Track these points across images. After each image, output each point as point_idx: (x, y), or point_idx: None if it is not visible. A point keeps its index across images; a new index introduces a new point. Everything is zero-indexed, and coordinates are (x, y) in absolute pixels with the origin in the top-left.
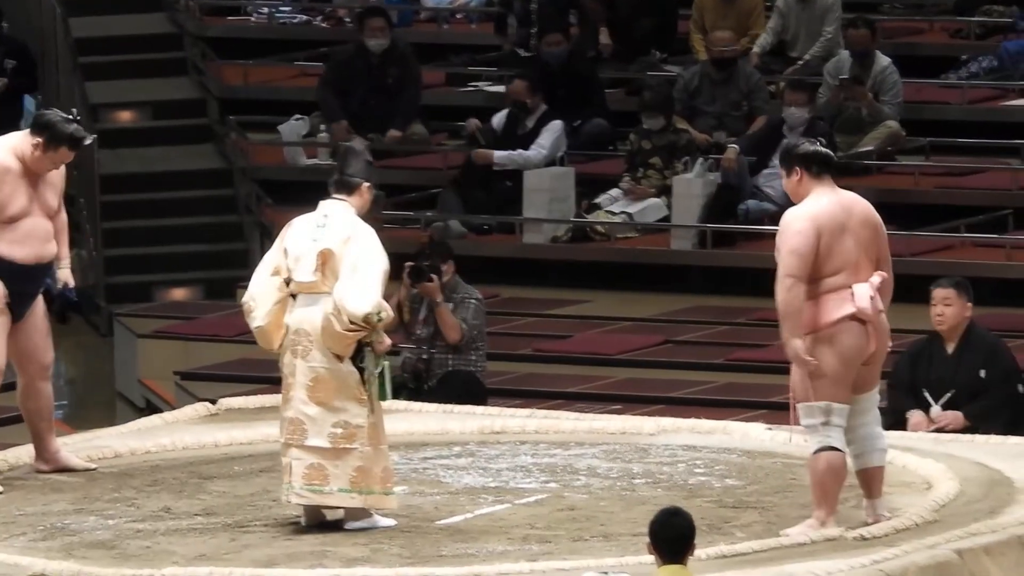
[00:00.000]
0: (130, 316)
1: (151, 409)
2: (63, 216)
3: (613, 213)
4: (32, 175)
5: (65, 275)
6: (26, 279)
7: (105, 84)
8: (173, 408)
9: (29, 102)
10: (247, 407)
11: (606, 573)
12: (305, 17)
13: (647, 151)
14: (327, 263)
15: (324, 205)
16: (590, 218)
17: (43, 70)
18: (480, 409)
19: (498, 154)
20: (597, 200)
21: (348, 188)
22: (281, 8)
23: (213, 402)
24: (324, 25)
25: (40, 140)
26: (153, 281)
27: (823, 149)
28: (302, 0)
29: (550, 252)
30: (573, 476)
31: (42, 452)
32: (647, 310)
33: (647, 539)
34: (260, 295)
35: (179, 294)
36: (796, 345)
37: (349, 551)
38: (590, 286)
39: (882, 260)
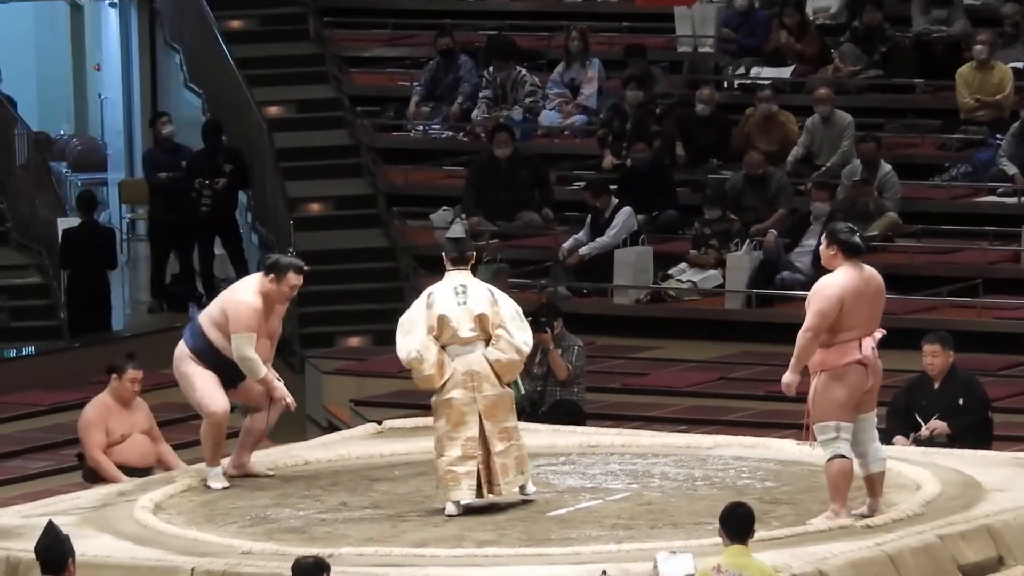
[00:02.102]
0: (317, 358)
1: (332, 428)
2: (278, 331)
3: (681, 281)
4: (268, 308)
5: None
6: (236, 370)
7: (300, 183)
8: (349, 428)
9: (243, 197)
10: (405, 427)
11: (675, 552)
12: (450, 133)
13: (707, 235)
14: (483, 323)
15: (454, 276)
16: (664, 285)
17: (253, 171)
18: (580, 428)
19: (582, 250)
20: (670, 271)
21: (465, 261)
22: (433, 126)
23: (379, 423)
24: (464, 139)
25: (272, 275)
26: (335, 331)
27: (859, 240)
28: (449, 120)
29: (634, 310)
30: (650, 479)
31: (237, 460)
32: (706, 354)
33: (718, 525)
34: (424, 351)
35: (354, 342)
36: (790, 379)
37: (481, 535)
38: (663, 336)
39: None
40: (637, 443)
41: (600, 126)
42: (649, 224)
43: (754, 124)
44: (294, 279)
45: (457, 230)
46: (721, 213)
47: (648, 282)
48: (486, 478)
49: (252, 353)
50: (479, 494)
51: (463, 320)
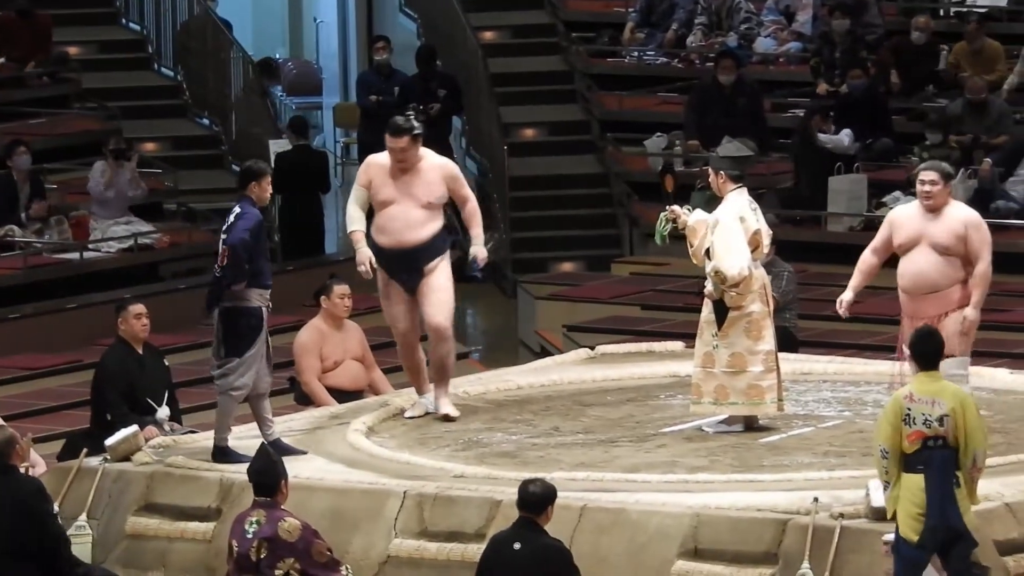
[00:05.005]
0: (530, 283)
1: (544, 353)
2: (471, 204)
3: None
4: (394, 171)
5: (475, 251)
6: (392, 261)
7: (514, 108)
8: (561, 353)
9: (456, 122)
10: (617, 352)
11: (888, 483)
12: (665, 59)
13: (925, 159)
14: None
15: (743, 194)
16: (878, 212)
17: (467, 97)
18: (792, 356)
19: (822, 136)
20: (884, 199)
21: (744, 180)
22: (647, 52)
23: (591, 348)
24: (679, 65)
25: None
26: (548, 257)
27: None
28: (663, 46)
29: (847, 238)
30: (862, 407)
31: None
32: None
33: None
34: (748, 263)
35: (567, 267)
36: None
37: (693, 461)
38: None
39: None
40: (850, 370)
41: (812, 55)
42: (864, 152)
43: (963, 53)
44: (390, 140)
45: (736, 148)
46: (943, 139)
47: (862, 210)
48: (778, 393)
49: (351, 207)
50: (780, 408)
51: (766, 237)
